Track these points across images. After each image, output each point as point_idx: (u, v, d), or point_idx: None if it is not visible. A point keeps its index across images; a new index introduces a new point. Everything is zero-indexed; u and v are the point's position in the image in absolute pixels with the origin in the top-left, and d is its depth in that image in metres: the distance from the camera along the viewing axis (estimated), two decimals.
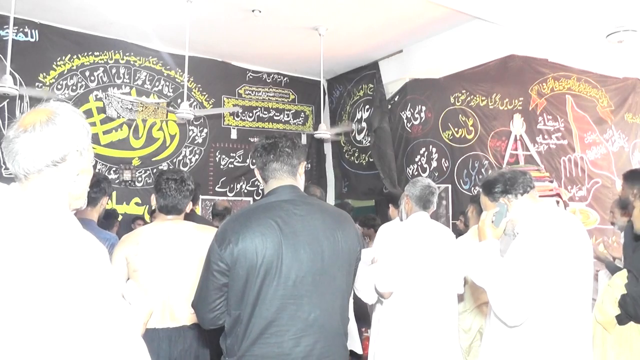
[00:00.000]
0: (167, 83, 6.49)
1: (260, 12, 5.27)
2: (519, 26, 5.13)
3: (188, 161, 6.60)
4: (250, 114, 7.13)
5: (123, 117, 6.11)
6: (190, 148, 6.64)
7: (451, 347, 2.69)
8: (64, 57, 5.83)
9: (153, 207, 2.47)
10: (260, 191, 6.89)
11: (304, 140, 7.35)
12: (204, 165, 6.73)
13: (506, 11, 4.87)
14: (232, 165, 6.94)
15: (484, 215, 1.99)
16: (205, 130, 6.78)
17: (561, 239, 1.82)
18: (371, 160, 6.68)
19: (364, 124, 6.96)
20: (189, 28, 5.20)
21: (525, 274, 1.76)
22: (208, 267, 1.63)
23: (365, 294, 2.73)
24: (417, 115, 6.32)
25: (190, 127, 6.64)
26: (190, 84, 6.51)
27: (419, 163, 6.21)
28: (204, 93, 6.76)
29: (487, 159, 6.23)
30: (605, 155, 6.87)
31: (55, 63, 5.78)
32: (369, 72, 6.90)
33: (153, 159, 6.33)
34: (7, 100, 5.31)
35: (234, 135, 6.98)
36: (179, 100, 5.98)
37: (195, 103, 6.62)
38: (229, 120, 6.98)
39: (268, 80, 7.27)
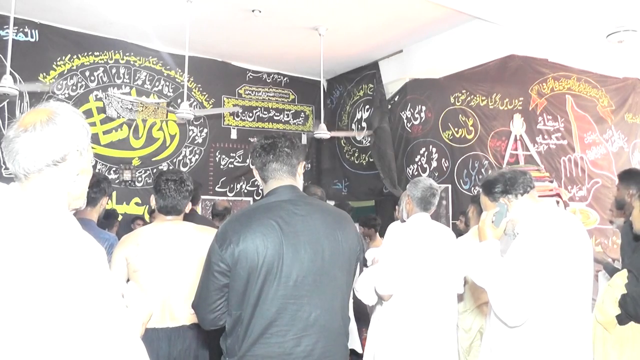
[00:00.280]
0: (167, 83, 6.49)
1: (260, 12, 5.27)
2: (519, 26, 5.12)
3: (188, 161, 6.60)
4: (250, 114, 7.13)
5: (123, 117, 6.11)
6: (190, 148, 6.64)
7: (449, 348, 2.69)
8: (64, 57, 5.83)
9: (153, 208, 2.47)
10: (260, 191, 6.89)
11: (304, 140, 7.34)
12: (204, 165, 6.73)
13: (506, 11, 4.87)
14: (232, 165, 6.95)
15: (484, 216, 1.99)
16: (205, 130, 6.78)
17: (561, 240, 1.82)
18: (371, 160, 6.68)
19: (364, 124, 6.95)
20: (189, 28, 5.19)
21: (526, 275, 1.76)
22: (208, 267, 1.62)
23: (365, 295, 2.73)
24: (417, 115, 6.32)
25: (190, 127, 6.64)
26: (190, 84, 6.51)
27: (419, 163, 6.21)
28: (204, 93, 6.76)
29: (487, 159, 6.23)
30: (605, 155, 6.88)
31: (55, 63, 5.78)
32: (369, 72, 6.90)
33: (153, 159, 6.33)
34: (7, 100, 5.31)
35: (234, 135, 6.98)
36: (179, 100, 5.98)
37: (195, 103, 6.62)
38: (229, 120, 6.98)
39: (268, 80, 7.27)
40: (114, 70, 6.15)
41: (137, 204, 6.15)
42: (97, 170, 5.68)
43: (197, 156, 6.68)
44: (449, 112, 6.26)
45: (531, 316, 1.78)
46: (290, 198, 1.69)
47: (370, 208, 6.79)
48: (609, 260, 3.33)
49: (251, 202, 6.86)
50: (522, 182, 1.96)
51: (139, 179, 6.19)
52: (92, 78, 6.01)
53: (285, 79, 7.38)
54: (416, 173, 6.15)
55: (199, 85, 6.70)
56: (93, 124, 5.85)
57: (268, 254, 1.57)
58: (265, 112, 7.26)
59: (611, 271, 3.02)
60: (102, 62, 6.07)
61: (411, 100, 6.33)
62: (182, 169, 6.43)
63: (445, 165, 6.21)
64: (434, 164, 6.20)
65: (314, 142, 7.45)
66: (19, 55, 5.16)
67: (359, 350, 2.95)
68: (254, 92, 7.15)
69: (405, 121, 6.36)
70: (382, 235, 3.82)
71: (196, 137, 6.70)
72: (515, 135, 6.38)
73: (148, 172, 6.24)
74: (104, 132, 6.03)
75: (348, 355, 1.80)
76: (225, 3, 5.12)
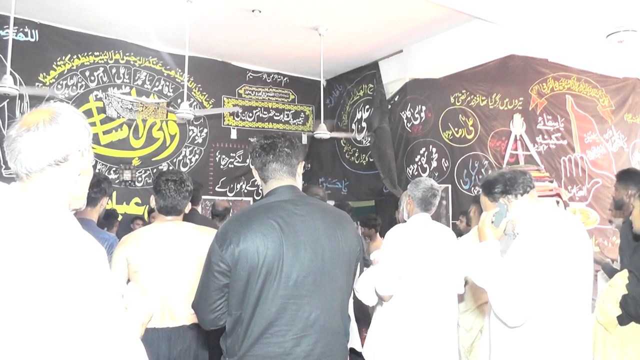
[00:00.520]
0: (167, 83, 6.49)
1: (260, 12, 5.27)
2: (519, 26, 5.12)
3: (188, 161, 6.60)
4: (250, 114, 7.14)
5: (123, 117, 6.11)
6: (190, 148, 6.64)
7: (450, 348, 2.70)
8: (64, 57, 5.83)
9: (152, 208, 2.47)
10: (260, 191, 6.88)
11: (304, 140, 7.34)
12: (204, 165, 6.73)
13: (506, 11, 4.87)
14: (232, 165, 6.95)
15: (484, 216, 1.99)
16: (205, 130, 6.78)
17: (561, 240, 1.82)
18: (371, 160, 6.68)
19: (364, 124, 6.95)
20: (189, 28, 5.20)
21: (526, 275, 1.76)
22: (209, 267, 1.62)
23: (365, 296, 2.73)
24: (417, 115, 6.32)
25: (190, 127, 6.64)
26: (190, 84, 6.51)
27: (419, 163, 6.21)
28: (204, 93, 6.76)
29: (487, 159, 6.24)
30: (605, 155, 6.88)
31: (55, 63, 5.78)
32: (369, 72, 6.90)
33: (153, 159, 6.33)
34: (7, 100, 5.31)
35: (234, 135, 6.98)
36: (179, 100, 5.99)
37: (195, 103, 6.62)
38: (229, 120, 6.98)
39: (268, 80, 7.27)
40: (114, 70, 6.15)
41: (137, 204, 6.15)
42: (97, 170, 5.68)
43: (197, 156, 6.68)
44: (449, 112, 6.26)
45: (531, 316, 1.78)
46: (290, 198, 1.69)
47: (370, 208, 6.79)
48: (608, 260, 3.31)
49: (251, 202, 6.86)
50: (522, 182, 1.96)
51: (139, 179, 6.20)
52: (92, 78, 6.01)
53: (285, 79, 7.39)
54: (416, 173, 6.15)
55: (199, 85, 6.70)
56: (93, 124, 5.84)
57: (268, 254, 1.57)
58: (265, 112, 7.26)
59: (610, 271, 3.01)
60: (102, 62, 6.07)
61: (411, 100, 6.33)
62: (182, 169, 6.43)
63: (445, 165, 6.21)
64: (434, 164, 6.20)
65: (314, 142, 7.45)
66: (19, 55, 5.16)
67: (358, 349, 2.95)
68: (254, 92, 7.16)
69: (405, 121, 6.36)
70: (382, 235, 3.82)
71: (196, 137, 6.70)
72: (515, 135, 6.39)
73: (148, 172, 6.24)
74: (104, 132, 6.03)
75: (348, 355, 1.80)
76: (225, 3, 5.12)
